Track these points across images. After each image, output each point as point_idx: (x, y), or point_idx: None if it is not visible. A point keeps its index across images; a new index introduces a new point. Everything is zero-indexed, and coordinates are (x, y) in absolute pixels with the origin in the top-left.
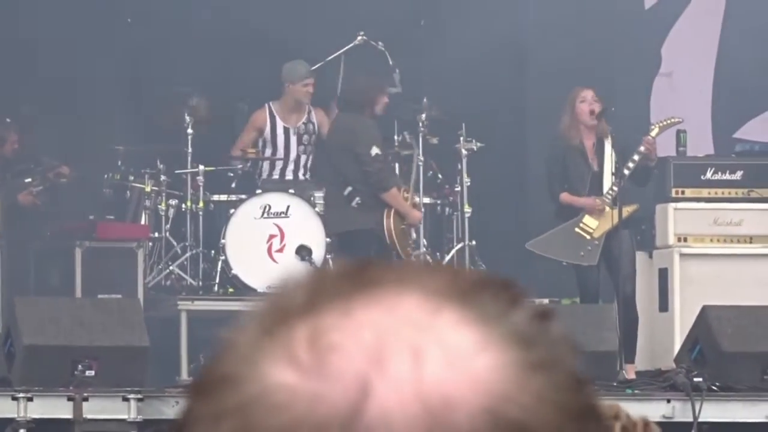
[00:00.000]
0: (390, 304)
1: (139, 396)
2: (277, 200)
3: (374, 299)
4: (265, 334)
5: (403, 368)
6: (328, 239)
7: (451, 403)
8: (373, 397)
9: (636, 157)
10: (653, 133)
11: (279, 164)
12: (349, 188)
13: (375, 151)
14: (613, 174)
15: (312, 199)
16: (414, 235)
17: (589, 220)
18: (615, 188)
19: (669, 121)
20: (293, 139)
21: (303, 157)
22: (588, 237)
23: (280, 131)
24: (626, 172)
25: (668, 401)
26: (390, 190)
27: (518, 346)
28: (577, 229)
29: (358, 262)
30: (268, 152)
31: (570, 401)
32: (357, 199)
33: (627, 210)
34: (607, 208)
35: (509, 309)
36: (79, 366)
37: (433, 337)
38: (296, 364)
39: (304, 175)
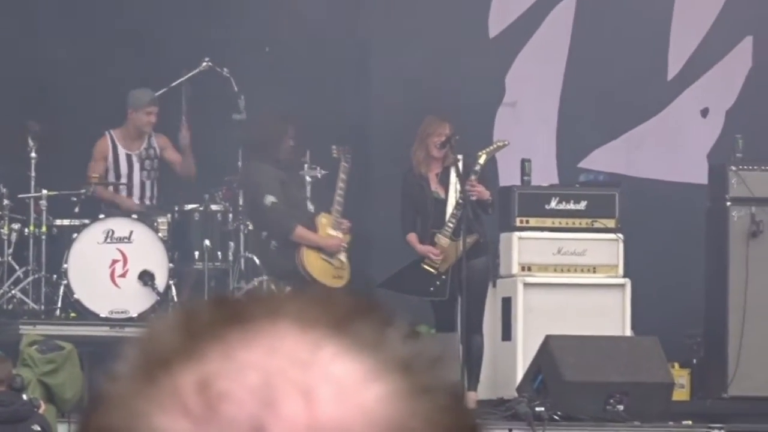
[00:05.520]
0: (269, 343)
1: None
2: (121, 225)
3: (252, 337)
4: (148, 383)
5: (295, 408)
6: (171, 265)
7: None
8: None
9: (461, 199)
10: (481, 161)
11: (123, 190)
12: (264, 233)
13: (269, 200)
14: (454, 206)
15: (155, 224)
16: (343, 260)
17: None
18: (453, 220)
19: (495, 146)
20: (136, 166)
21: (147, 183)
22: (434, 272)
23: (122, 158)
24: (457, 208)
25: (510, 430)
26: (294, 231)
27: (401, 373)
28: (423, 266)
29: (226, 297)
30: (112, 179)
31: (455, 421)
32: (273, 242)
33: (468, 241)
34: (449, 241)
35: (384, 334)
36: None
37: (318, 373)
38: (187, 413)
39: (150, 200)
